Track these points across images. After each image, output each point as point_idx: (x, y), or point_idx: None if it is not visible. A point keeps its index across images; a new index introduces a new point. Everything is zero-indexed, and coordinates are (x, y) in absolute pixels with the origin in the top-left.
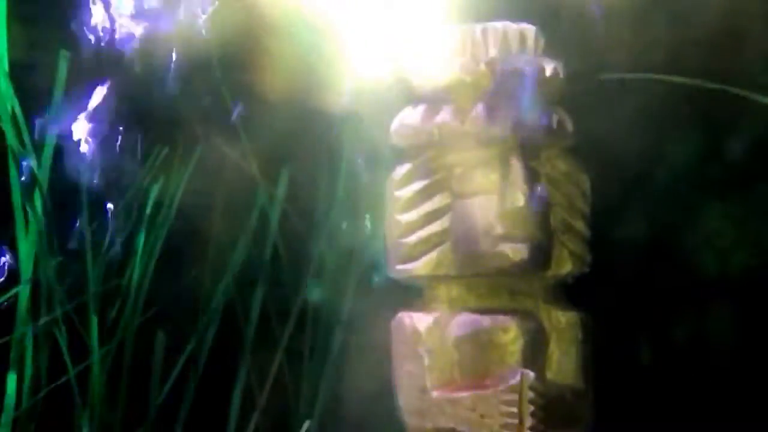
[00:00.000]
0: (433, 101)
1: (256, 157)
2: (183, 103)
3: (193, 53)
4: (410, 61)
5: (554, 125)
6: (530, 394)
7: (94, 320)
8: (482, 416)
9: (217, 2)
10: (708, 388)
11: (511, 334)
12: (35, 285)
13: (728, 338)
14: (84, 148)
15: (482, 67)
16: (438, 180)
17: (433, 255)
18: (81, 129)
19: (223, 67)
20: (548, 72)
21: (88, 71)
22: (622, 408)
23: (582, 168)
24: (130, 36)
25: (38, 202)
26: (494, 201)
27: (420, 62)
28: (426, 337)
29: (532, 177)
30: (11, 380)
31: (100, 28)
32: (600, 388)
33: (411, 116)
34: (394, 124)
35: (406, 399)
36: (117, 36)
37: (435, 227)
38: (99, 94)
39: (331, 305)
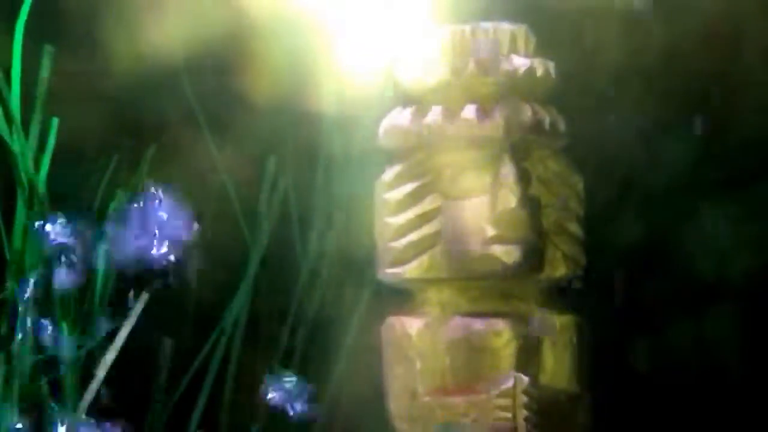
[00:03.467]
0: (423, 102)
1: (244, 161)
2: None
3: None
4: (399, 62)
5: (546, 125)
6: (524, 399)
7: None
8: (475, 421)
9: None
10: (707, 395)
11: (504, 338)
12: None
13: (728, 342)
14: None
15: (472, 67)
16: (428, 182)
17: (423, 258)
18: None
19: (211, 69)
20: (540, 72)
21: None
22: (619, 414)
23: (575, 169)
24: None
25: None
26: (485, 203)
27: (409, 63)
28: (417, 341)
29: (524, 178)
30: None
31: None
32: (596, 393)
33: (400, 117)
34: (383, 126)
35: (396, 404)
36: None
37: (425, 230)
38: None
39: (323, 310)
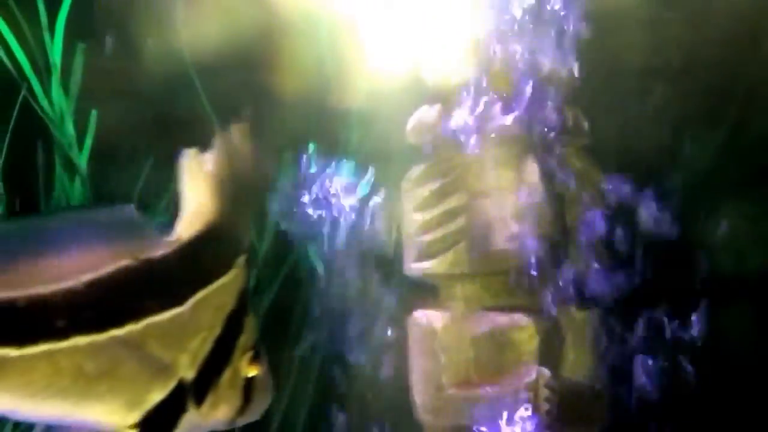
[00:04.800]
0: (449, 100)
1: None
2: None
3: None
4: (427, 61)
5: (570, 124)
6: (545, 392)
7: None
8: (498, 414)
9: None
10: (725, 388)
11: (526, 332)
12: None
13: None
14: None
15: (497, 66)
16: (454, 179)
17: (449, 253)
18: None
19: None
20: (563, 72)
21: None
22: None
23: (598, 166)
24: None
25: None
26: (510, 199)
27: (436, 62)
28: (442, 336)
29: (548, 175)
30: None
31: None
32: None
33: (427, 115)
34: (411, 123)
35: (422, 397)
36: None
37: (451, 226)
38: None
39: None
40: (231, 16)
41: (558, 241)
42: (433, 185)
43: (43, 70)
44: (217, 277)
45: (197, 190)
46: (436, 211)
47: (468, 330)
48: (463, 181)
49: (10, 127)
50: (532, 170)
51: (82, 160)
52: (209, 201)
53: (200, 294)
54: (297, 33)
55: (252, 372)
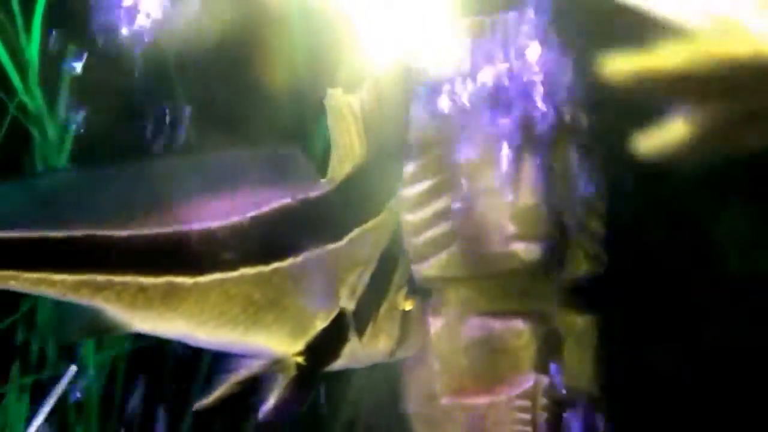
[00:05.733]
0: (442, 96)
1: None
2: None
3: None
4: (418, 54)
5: (567, 120)
6: (544, 401)
7: None
8: (494, 424)
9: None
10: (731, 396)
11: (523, 339)
12: None
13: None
14: None
15: (492, 60)
16: (446, 178)
17: (441, 256)
18: None
19: (227, 57)
20: (561, 65)
21: None
22: (641, 416)
23: (597, 165)
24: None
25: None
26: (505, 199)
27: (428, 55)
28: (435, 342)
29: (545, 174)
30: None
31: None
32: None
33: (418, 111)
34: None
35: (414, 406)
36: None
37: (443, 227)
38: None
39: None
40: (216, 9)
41: (555, 242)
42: (424, 185)
43: (25, 70)
44: (370, 217)
45: (345, 132)
46: (427, 211)
47: (462, 336)
48: (455, 181)
49: None
50: (528, 169)
51: (62, 161)
52: (358, 143)
53: (355, 231)
54: (284, 21)
55: (408, 306)
